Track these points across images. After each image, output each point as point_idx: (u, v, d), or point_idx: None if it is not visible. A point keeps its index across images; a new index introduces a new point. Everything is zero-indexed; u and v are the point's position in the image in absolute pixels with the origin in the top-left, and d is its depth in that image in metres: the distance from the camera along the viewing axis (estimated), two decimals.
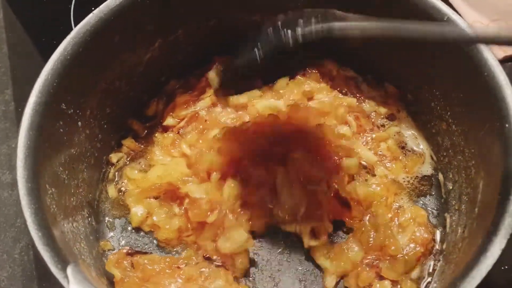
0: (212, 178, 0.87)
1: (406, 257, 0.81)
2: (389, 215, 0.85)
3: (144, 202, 0.89)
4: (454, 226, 0.83)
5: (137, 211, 0.88)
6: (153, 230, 0.89)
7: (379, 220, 0.84)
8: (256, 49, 0.68)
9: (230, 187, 0.85)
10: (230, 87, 0.80)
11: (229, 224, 0.83)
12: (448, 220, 0.87)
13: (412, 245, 0.82)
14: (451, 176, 0.88)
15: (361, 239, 0.83)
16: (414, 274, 0.82)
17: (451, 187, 0.88)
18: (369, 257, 0.82)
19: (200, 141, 0.93)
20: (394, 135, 0.96)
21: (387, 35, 0.64)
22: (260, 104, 0.94)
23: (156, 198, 0.89)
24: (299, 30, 0.65)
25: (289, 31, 0.66)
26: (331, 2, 0.65)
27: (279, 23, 0.67)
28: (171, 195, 0.89)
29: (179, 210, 0.88)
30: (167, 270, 0.82)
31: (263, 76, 0.78)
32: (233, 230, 0.82)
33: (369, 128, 0.96)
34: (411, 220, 0.85)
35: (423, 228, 0.84)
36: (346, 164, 0.88)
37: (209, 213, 0.83)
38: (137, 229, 0.89)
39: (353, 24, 0.65)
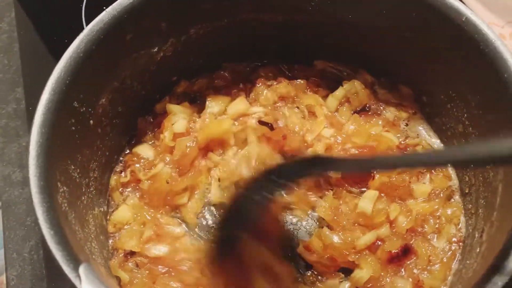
0: None
1: (445, 259, 0.80)
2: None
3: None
4: (470, 230, 0.82)
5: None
6: None
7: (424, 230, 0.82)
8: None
9: None
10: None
11: None
12: (464, 224, 0.85)
13: (448, 246, 0.81)
14: (467, 179, 0.86)
15: (406, 271, 0.80)
16: (450, 279, 0.80)
17: (467, 191, 0.86)
18: None
19: None
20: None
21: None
22: None
23: None
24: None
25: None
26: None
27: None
28: None
29: None
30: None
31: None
32: None
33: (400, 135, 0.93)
34: (445, 223, 0.83)
35: (458, 226, 0.83)
36: (421, 190, 0.85)
37: None
38: None
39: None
